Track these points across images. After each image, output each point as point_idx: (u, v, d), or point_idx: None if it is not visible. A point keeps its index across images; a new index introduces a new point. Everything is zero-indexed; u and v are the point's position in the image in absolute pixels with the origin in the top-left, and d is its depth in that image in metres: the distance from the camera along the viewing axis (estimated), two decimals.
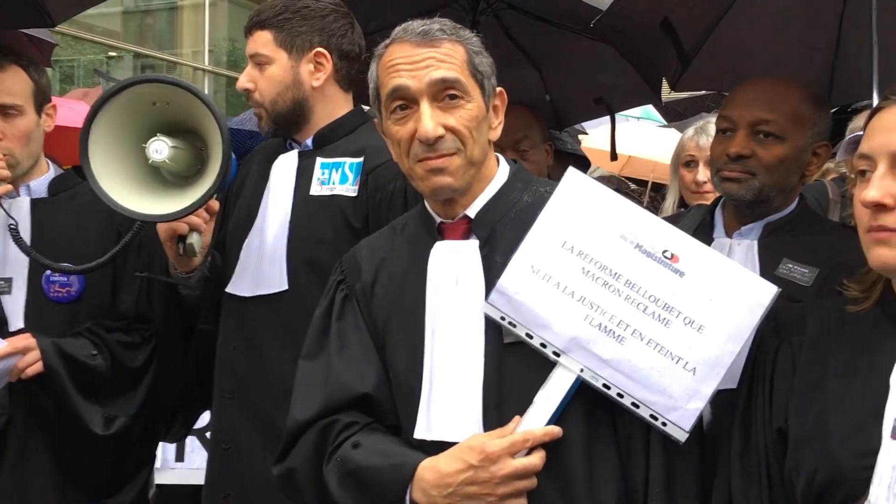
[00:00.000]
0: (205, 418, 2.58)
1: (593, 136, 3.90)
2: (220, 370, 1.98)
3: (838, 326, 1.26)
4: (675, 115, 4.85)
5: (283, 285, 1.88)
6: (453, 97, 1.37)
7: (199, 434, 2.86)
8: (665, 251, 1.31)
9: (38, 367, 1.92)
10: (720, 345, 1.29)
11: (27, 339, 1.92)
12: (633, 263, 1.31)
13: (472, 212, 1.42)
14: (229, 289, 1.96)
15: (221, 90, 15.41)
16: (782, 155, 1.73)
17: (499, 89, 1.44)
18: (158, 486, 2.71)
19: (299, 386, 1.51)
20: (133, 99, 1.72)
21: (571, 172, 1.36)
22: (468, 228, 1.42)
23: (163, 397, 2.08)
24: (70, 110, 3.83)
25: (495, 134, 1.43)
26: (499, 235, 1.40)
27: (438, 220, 1.45)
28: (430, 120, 1.35)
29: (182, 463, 2.88)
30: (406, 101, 1.37)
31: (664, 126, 5.02)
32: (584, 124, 3.43)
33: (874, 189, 1.15)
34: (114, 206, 1.73)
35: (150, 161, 1.73)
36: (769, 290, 1.29)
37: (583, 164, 3.04)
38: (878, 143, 1.18)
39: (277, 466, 1.51)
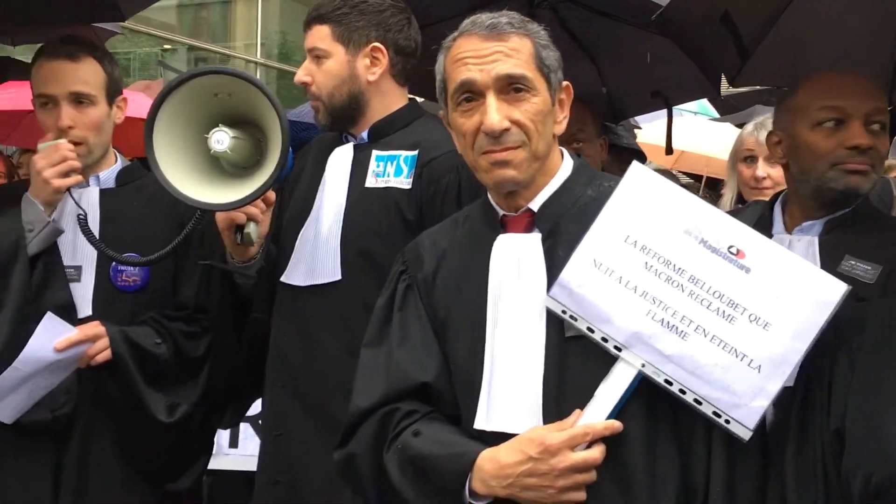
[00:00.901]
0: (257, 406, 2.64)
1: (647, 130, 3.86)
2: (272, 359, 2.02)
3: (886, 321, 1.23)
4: (728, 108, 4.78)
5: (336, 275, 1.92)
6: (519, 90, 1.38)
7: (253, 421, 2.92)
8: (731, 247, 1.29)
9: (106, 354, 1.97)
10: (787, 342, 1.27)
11: (97, 327, 1.98)
12: (698, 259, 1.30)
13: (535, 205, 1.43)
14: (284, 278, 1.99)
15: (273, 82, 15.61)
16: (887, 148, 1.70)
17: (565, 83, 1.44)
18: (212, 471, 2.77)
19: (361, 374, 1.53)
20: (196, 90, 1.76)
21: (636, 167, 1.36)
22: (531, 222, 1.43)
23: (218, 385, 2.13)
24: (132, 101, 3.93)
25: (560, 128, 1.44)
26: (562, 229, 1.41)
27: (501, 212, 1.46)
28: (495, 113, 1.36)
29: (235, 449, 2.94)
30: (472, 93, 1.38)
31: (718, 120, 4.95)
32: (637, 118, 3.40)
33: None
34: (177, 195, 1.77)
35: (212, 151, 1.77)
36: (839, 288, 1.27)
37: (639, 158, 3.02)
38: None
39: (338, 452, 1.54)
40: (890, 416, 1.18)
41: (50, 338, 1.90)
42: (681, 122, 3.59)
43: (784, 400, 1.33)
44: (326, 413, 1.89)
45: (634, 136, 3.10)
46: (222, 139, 1.75)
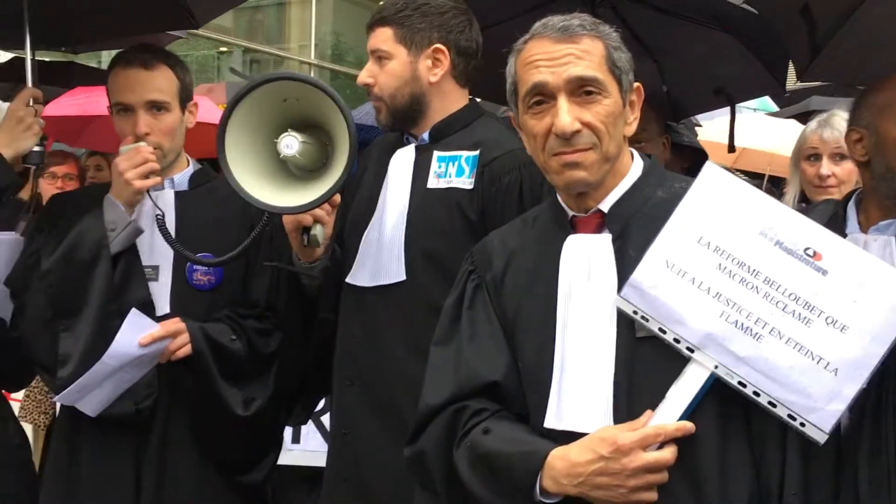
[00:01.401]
0: (321, 403, 2.69)
1: (707, 127, 3.81)
2: (339, 358, 2.06)
3: None
4: (784, 101, 4.69)
5: (401, 276, 1.95)
6: (590, 92, 1.39)
7: (315, 418, 2.98)
8: (807, 248, 1.29)
9: (187, 349, 2.04)
10: (864, 346, 1.26)
11: (178, 324, 2.05)
12: (773, 260, 1.29)
13: (605, 206, 1.44)
14: (349, 279, 2.03)
15: (326, 83, 15.83)
16: None
17: (636, 85, 1.45)
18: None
19: (431, 372, 1.56)
20: (265, 96, 1.80)
21: (709, 167, 1.36)
22: (601, 222, 1.44)
23: (287, 381, 2.18)
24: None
25: (630, 129, 1.44)
26: (632, 230, 1.41)
27: (571, 213, 1.47)
28: (567, 115, 1.37)
29: (298, 445, 3.00)
30: (544, 96, 1.40)
31: (776, 114, 4.86)
32: (697, 116, 3.36)
33: None
34: (247, 199, 1.82)
35: (281, 156, 1.81)
36: None
37: (700, 157, 2.99)
38: None
39: (408, 448, 1.57)
40: None
41: (134, 333, 1.98)
42: (741, 118, 3.53)
43: (858, 401, 1.32)
44: (393, 411, 1.93)
45: (695, 135, 3.07)
46: (291, 143, 1.79)
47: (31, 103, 2.15)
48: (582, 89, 1.39)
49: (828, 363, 1.27)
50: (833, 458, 1.32)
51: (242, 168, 1.81)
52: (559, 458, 1.35)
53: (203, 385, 2.08)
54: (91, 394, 2.01)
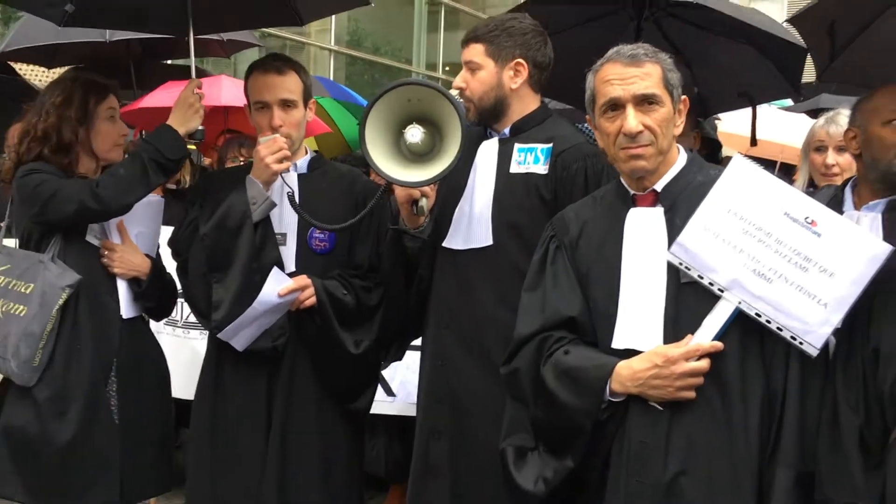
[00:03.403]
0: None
1: (726, 121, 4.29)
2: (435, 307, 2.51)
3: None
4: (797, 97, 5.14)
5: (488, 241, 2.40)
6: (651, 103, 1.88)
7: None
8: (807, 217, 1.79)
9: (312, 300, 2.50)
10: (847, 287, 1.76)
11: (305, 279, 2.50)
12: (782, 226, 1.80)
13: (658, 186, 1.94)
14: (445, 244, 2.48)
15: (342, 68, 16.26)
16: None
17: (683, 97, 1.95)
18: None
19: (522, 310, 2.05)
20: (396, 96, 2.25)
21: (737, 158, 1.86)
22: (655, 199, 1.94)
23: (389, 326, 2.66)
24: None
25: (678, 130, 1.94)
26: (679, 204, 1.91)
27: (632, 192, 1.98)
28: (633, 119, 1.87)
29: (394, 397, 3.49)
30: (616, 106, 1.90)
31: (789, 109, 5.32)
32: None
33: None
34: (382, 175, 2.26)
35: (407, 143, 2.26)
36: (885, 248, 1.76)
37: (715, 147, 3.48)
38: None
39: (504, 368, 2.07)
40: None
41: (275, 286, 2.46)
42: (758, 112, 4.01)
43: (841, 328, 1.81)
44: (482, 349, 2.37)
45: (715, 129, 3.55)
46: (416, 133, 2.26)
47: (195, 91, 2.65)
48: (644, 101, 1.89)
49: (820, 299, 1.77)
50: (823, 367, 1.82)
51: (375, 151, 2.25)
52: (624, 367, 1.85)
53: (324, 329, 2.53)
54: (241, 332, 2.52)
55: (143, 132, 4.76)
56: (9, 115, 4.39)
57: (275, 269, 2.49)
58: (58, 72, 5.07)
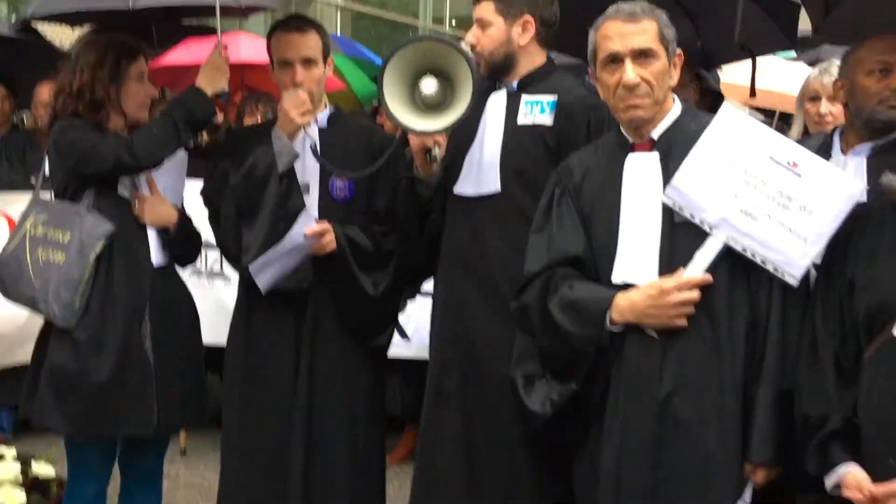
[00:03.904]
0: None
1: (728, 71, 4.42)
2: (448, 249, 2.67)
3: (892, 213, 1.88)
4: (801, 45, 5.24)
5: (497, 187, 2.55)
6: (647, 56, 2.05)
7: None
8: (789, 160, 1.96)
9: (333, 245, 2.66)
10: (824, 223, 1.94)
11: (327, 225, 2.67)
12: (766, 167, 1.97)
13: (655, 134, 2.11)
14: (456, 190, 2.64)
15: (349, 23, 16.27)
16: None
17: (678, 51, 2.11)
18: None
19: (530, 250, 2.24)
20: (413, 51, 2.41)
21: (725, 106, 2.04)
22: (652, 145, 2.12)
23: (404, 269, 2.84)
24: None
25: (673, 82, 2.11)
26: (673, 150, 2.08)
27: (631, 139, 2.15)
28: (631, 72, 2.04)
29: (409, 340, 3.69)
30: (616, 59, 2.06)
31: (791, 59, 5.43)
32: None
33: None
34: (399, 124, 2.42)
35: (423, 94, 2.41)
36: (859, 186, 1.94)
37: (718, 98, 3.62)
38: None
39: (514, 302, 2.27)
40: (880, 271, 1.83)
41: (302, 227, 2.63)
42: (760, 63, 4.13)
43: (821, 262, 2.00)
44: (492, 288, 2.54)
45: (718, 81, 3.69)
46: (430, 84, 2.41)
47: (221, 53, 2.81)
48: (641, 55, 2.05)
49: (800, 234, 1.95)
50: (803, 297, 2.00)
51: (392, 102, 2.41)
52: (623, 298, 2.04)
53: (344, 271, 2.71)
54: (266, 271, 2.67)
55: (165, 88, 4.93)
56: (36, 76, 4.57)
57: (305, 211, 2.65)
58: (81, 31, 5.21)
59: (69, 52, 4.84)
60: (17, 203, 3.80)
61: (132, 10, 3.44)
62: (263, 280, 2.71)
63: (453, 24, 16.57)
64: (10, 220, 3.80)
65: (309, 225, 2.67)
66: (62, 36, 5.40)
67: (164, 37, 4.63)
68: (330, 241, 2.71)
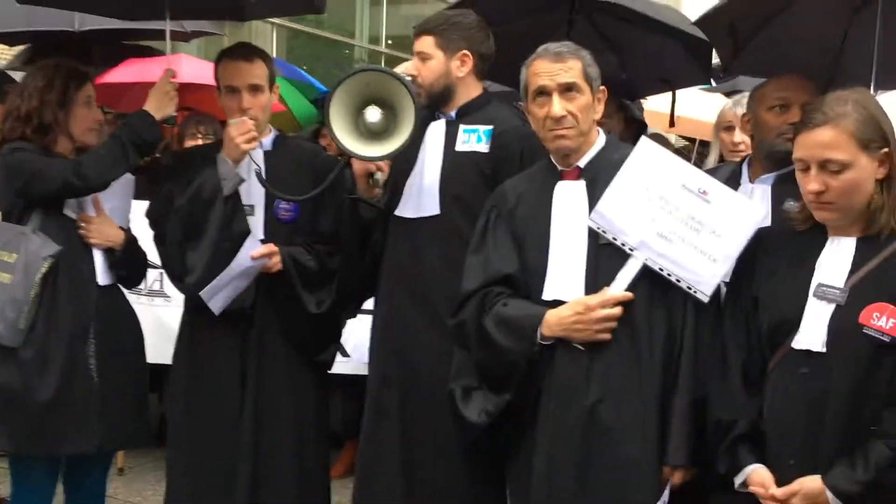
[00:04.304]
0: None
1: (651, 100, 4.69)
2: (388, 268, 2.79)
3: (790, 236, 2.08)
4: (718, 78, 5.58)
5: (436, 210, 2.67)
6: (572, 91, 2.23)
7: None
8: (699, 188, 2.17)
9: (279, 266, 2.76)
10: (732, 244, 2.14)
11: (273, 247, 2.75)
12: (679, 195, 2.17)
13: (581, 163, 2.29)
14: (397, 212, 2.77)
15: (284, 41, 16.32)
16: None
17: (602, 87, 2.30)
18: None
19: (467, 270, 2.38)
20: (357, 81, 2.54)
21: (643, 140, 2.23)
22: (579, 174, 2.29)
23: (347, 287, 2.97)
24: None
25: (597, 115, 2.30)
26: (598, 178, 2.26)
27: (560, 168, 2.32)
28: (558, 105, 2.22)
29: (349, 358, 3.80)
30: (544, 94, 2.24)
31: (709, 89, 5.78)
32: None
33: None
34: (346, 150, 2.54)
35: (367, 122, 2.54)
36: (760, 212, 2.16)
37: (642, 127, 3.86)
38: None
39: (451, 320, 2.41)
40: (779, 288, 2.02)
41: (248, 251, 2.73)
42: (680, 93, 4.41)
43: (730, 279, 2.20)
44: (431, 305, 2.67)
45: (642, 110, 3.93)
46: (375, 114, 2.56)
47: (170, 80, 2.89)
48: (567, 91, 2.23)
49: (710, 255, 2.15)
50: (713, 311, 2.18)
51: (338, 128, 2.53)
52: (552, 315, 2.20)
53: (287, 291, 2.80)
54: (218, 294, 2.77)
55: (103, 107, 4.93)
56: None
57: (250, 237, 2.75)
58: (15, 50, 5.19)
59: (4, 70, 4.80)
60: None
61: (76, 32, 3.48)
62: (216, 304, 2.79)
63: (389, 42, 16.76)
64: None
65: (255, 248, 2.76)
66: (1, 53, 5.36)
67: (105, 56, 4.67)
68: (276, 262, 2.80)
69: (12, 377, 2.72)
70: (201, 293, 2.76)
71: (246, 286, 2.81)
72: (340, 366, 3.71)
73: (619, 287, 2.18)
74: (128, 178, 3.05)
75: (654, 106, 4.64)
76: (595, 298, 2.17)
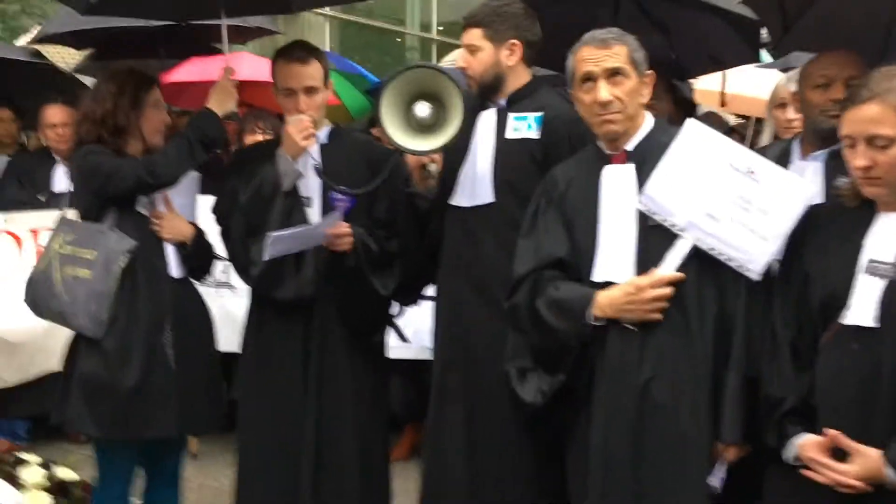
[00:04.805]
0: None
1: (703, 80, 4.66)
2: (446, 255, 2.88)
3: (840, 213, 2.09)
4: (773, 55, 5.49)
5: (490, 198, 2.74)
6: (618, 76, 2.27)
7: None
8: (747, 168, 2.19)
9: (347, 246, 2.83)
10: (781, 222, 2.16)
11: (347, 227, 2.83)
12: (728, 174, 2.19)
13: (629, 147, 2.33)
14: (452, 201, 2.85)
15: (337, 32, 16.48)
16: None
17: (649, 72, 2.33)
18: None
19: (519, 254, 2.45)
20: (406, 78, 2.64)
21: (689, 122, 2.26)
22: (626, 157, 2.34)
23: (406, 273, 3.03)
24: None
25: (645, 99, 2.33)
26: (646, 161, 2.29)
27: (608, 152, 2.37)
28: (604, 90, 2.26)
29: (409, 343, 3.88)
30: (591, 79, 2.29)
31: (768, 66, 5.67)
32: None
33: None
34: (399, 147, 2.65)
35: (417, 117, 2.65)
36: (811, 189, 2.17)
37: (691, 106, 3.85)
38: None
39: (506, 302, 2.48)
40: (830, 264, 2.03)
41: (326, 222, 2.81)
42: (735, 71, 4.37)
43: (782, 258, 2.22)
44: (487, 290, 2.75)
45: (692, 89, 3.92)
46: (424, 109, 2.65)
47: (230, 77, 3.03)
48: (613, 76, 2.27)
49: (760, 233, 2.17)
50: (765, 290, 2.20)
51: (390, 125, 2.64)
52: (603, 296, 2.26)
53: (354, 272, 2.85)
54: (278, 243, 2.77)
55: (170, 105, 5.14)
56: (39, 98, 4.77)
57: (333, 213, 2.84)
58: (83, 53, 5.42)
59: (73, 72, 5.03)
60: (24, 222, 4.00)
61: (142, 29, 3.63)
62: (271, 250, 2.81)
63: (440, 29, 16.80)
64: (16, 238, 3.99)
65: (332, 224, 2.85)
66: (66, 56, 5.61)
67: (169, 55, 4.85)
68: (348, 242, 2.88)
69: (98, 367, 2.89)
70: (270, 237, 2.79)
71: (302, 249, 2.87)
72: (401, 351, 3.83)
73: (670, 267, 2.22)
74: (193, 175, 3.20)
75: (707, 85, 4.60)
76: (646, 279, 2.21)
